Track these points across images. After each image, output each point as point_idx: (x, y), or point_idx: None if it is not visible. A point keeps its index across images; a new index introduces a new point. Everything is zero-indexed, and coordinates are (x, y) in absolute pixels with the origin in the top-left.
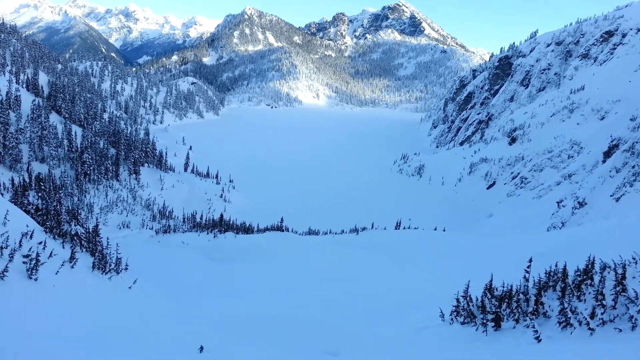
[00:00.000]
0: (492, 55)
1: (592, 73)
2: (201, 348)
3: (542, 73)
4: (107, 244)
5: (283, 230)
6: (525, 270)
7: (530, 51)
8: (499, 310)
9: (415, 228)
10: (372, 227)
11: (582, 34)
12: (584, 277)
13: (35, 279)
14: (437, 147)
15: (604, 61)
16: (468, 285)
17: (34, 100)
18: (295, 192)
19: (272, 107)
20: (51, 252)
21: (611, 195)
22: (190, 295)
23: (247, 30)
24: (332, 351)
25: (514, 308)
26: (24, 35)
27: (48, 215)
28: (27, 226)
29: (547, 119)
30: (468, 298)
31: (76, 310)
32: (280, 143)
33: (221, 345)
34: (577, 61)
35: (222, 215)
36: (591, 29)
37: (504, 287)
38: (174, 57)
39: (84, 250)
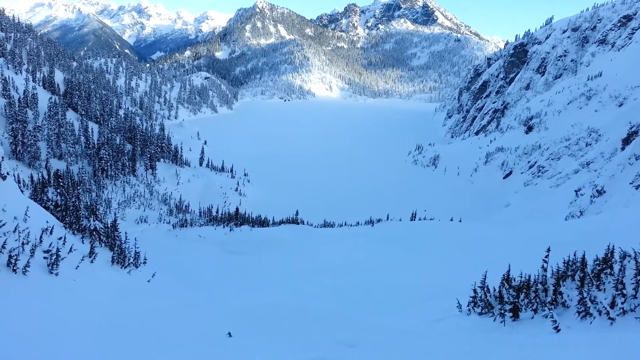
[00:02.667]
0: (507, 43)
1: (609, 59)
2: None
3: (559, 60)
4: (126, 239)
5: (298, 223)
6: (544, 259)
7: (546, 38)
8: (516, 300)
9: (431, 219)
10: (388, 218)
11: (599, 19)
12: (604, 266)
13: (56, 274)
14: (452, 137)
15: (622, 46)
16: (485, 276)
17: (51, 98)
18: (310, 185)
19: (285, 100)
20: (71, 247)
21: (630, 183)
22: (207, 287)
23: (258, 24)
24: (349, 342)
25: (532, 298)
26: (39, 33)
27: (67, 211)
28: (47, 222)
29: (564, 106)
30: (485, 288)
31: (96, 304)
32: (293, 136)
33: (239, 335)
34: (594, 47)
35: (237, 209)
36: (608, 13)
37: (521, 277)
38: (187, 52)
39: (103, 245)
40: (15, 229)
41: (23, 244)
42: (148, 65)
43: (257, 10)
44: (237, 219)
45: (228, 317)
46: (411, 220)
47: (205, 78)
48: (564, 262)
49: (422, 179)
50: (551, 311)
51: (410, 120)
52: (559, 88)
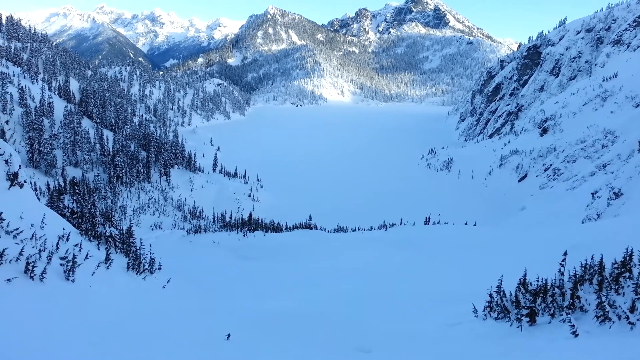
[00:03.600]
0: (520, 45)
1: (625, 59)
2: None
3: (573, 61)
4: (141, 245)
5: (311, 228)
6: (560, 263)
7: (560, 39)
8: (533, 305)
9: (445, 223)
10: (401, 223)
11: (613, 20)
12: (622, 269)
13: (73, 280)
14: (466, 140)
15: (638, 46)
16: (501, 280)
17: (66, 106)
18: (323, 190)
19: (297, 106)
20: (87, 254)
21: None
22: (221, 293)
23: (270, 30)
24: (364, 348)
25: (549, 302)
26: (54, 43)
27: (83, 218)
28: (64, 229)
29: (579, 108)
30: (501, 293)
31: (112, 310)
32: (306, 141)
33: (252, 341)
34: (609, 48)
35: (250, 215)
36: (623, 13)
37: (538, 281)
38: (200, 60)
39: (118, 252)
40: (32, 236)
41: (40, 250)
42: (161, 72)
43: (269, 16)
44: (250, 224)
45: (242, 323)
46: (425, 224)
47: (218, 85)
48: (582, 266)
49: (436, 183)
50: (569, 316)
51: (423, 124)
52: (574, 89)
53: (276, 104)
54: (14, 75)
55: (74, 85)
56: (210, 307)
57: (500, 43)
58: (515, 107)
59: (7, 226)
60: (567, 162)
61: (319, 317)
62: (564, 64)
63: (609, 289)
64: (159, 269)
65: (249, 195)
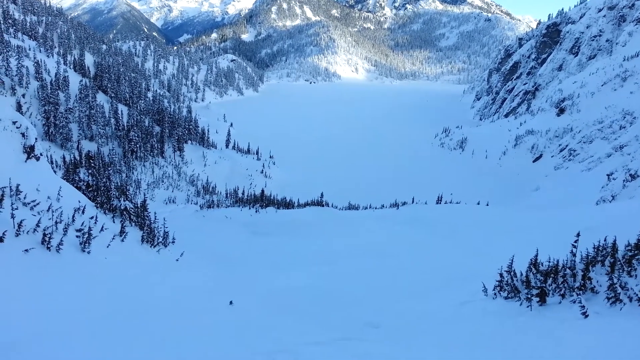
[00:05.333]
0: (539, 23)
1: None
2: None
3: (593, 40)
4: (155, 219)
5: (323, 205)
6: (573, 244)
7: (580, 17)
8: (544, 285)
9: (457, 202)
10: (413, 201)
11: None
12: (636, 252)
13: (88, 252)
14: (481, 119)
15: None
16: (512, 260)
17: (81, 80)
18: (335, 167)
19: (310, 83)
20: (102, 227)
21: None
22: (233, 267)
23: (284, 5)
24: (373, 323)
25: (560, 283)
26: (69, 17)
27: (98, 191)
28: (79, 202)
29: (597, 88)
30: (512, 273)
31: (127, 281)
32: (319, 118)
33: (264, 317)
34: (632, 26)
35: (263, 191)
36: None
37: (549, 262)
38: (214, 35)
39: (133, 225)
40: (49, 208)
41: (56, 222)
42: (175, 48)
43: None
44: (262, 200)
45: (250, 298)
46: (437, 203)
47: (232, 60)
48: (594, 247)
49: (449, 162)
50: (579, 297)
51: (438, 103)
52: (593, 69)
53: (290, 80)
54: (29, 49)
55: (89, 60)
56: (221, 280)
57: (519, 20)
58: (533, 87)
59: (24, 198)
60: (584, 142)
61: (329, 293)
62: (584, 43)
63: (621, 270)
64: (173, 242)
65: (261, 172)
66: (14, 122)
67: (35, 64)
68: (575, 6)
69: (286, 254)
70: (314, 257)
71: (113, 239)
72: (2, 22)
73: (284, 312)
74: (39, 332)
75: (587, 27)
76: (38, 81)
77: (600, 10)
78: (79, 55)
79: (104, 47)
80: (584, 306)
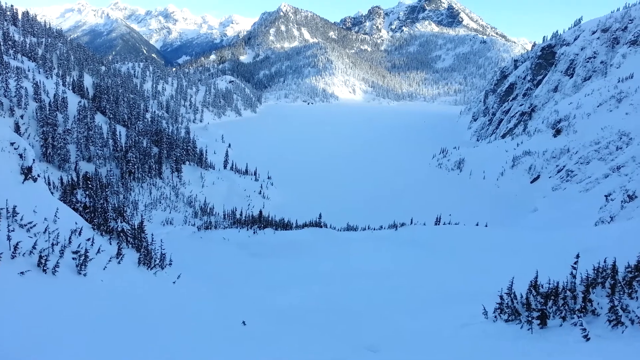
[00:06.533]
0: (534, 45)
1: None
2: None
3: (588, 62)
4: (152, 240)
5: (321, 226)
6: (572, 266)
7: (575, 39)
8: (544, 307)
9: (455, 223)
10: (411, 222)
11: (630, 20)
12: (636, 273)
13: (84, 274)
14: (478, 140)
15: None
16: (512, 282)
17: (80, 101)
18: (333, 188)
19: (308, 104)
20: (99, 248)
21: None
22: (231, 289)
23: (282, 27)
24: (372, 346)
25: (560, 305)
26: (69, 38)
27: (95, 212)
28: (76, 223)
29: (593, 109)
30: (512, 295)
31: (123, 304)
32: (317, 139)
33: (263, 339)
34: (625, 48)
35: (261, 212)
36: None
37: (549, 283)
38: (212, 57)
39: (130, 247)
40: (46, 229)
41: (53, 244)
42: (174, 69)
43: (281, 14)
44: (260, 221)
45: (249, 319)
46: (435, 224)
47: (230, 82)
48: (594, 269)
49: (447, 183)
50: (580, 319)
51: (435, 124)
52: (588, 90)
53: (287, 101)
54: (29, 70)
55: (88, 81)
56: (219, 304)
57: (514, 42)
58: (529, 108)
59: (21, 220)
60: (581, 163)
61: (327, 314)
62: (579, 64)
63: (622, 292)
64: (170, 264)
65: (259, 193)
66: (12, 143)
67: (34, 85)
68: (569, 29)
69: (285, 275)
70: (313, 277)
71: (110, 261)
72: (2, 43)
73: (283, 333)
74: (33, 355)
75: (582, 49)
76: (37, 102)
77: (594, 33)
78: (77, 76)
79: (103, 68)
80: (585, 329)
